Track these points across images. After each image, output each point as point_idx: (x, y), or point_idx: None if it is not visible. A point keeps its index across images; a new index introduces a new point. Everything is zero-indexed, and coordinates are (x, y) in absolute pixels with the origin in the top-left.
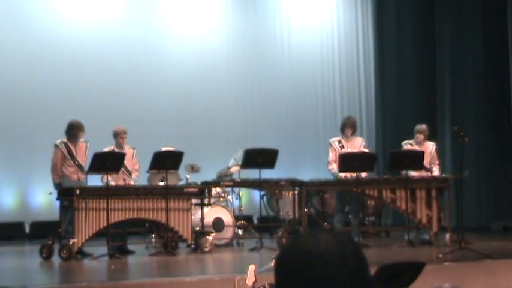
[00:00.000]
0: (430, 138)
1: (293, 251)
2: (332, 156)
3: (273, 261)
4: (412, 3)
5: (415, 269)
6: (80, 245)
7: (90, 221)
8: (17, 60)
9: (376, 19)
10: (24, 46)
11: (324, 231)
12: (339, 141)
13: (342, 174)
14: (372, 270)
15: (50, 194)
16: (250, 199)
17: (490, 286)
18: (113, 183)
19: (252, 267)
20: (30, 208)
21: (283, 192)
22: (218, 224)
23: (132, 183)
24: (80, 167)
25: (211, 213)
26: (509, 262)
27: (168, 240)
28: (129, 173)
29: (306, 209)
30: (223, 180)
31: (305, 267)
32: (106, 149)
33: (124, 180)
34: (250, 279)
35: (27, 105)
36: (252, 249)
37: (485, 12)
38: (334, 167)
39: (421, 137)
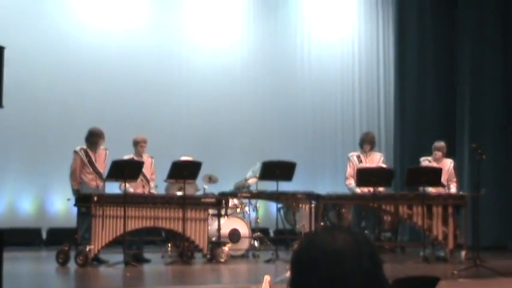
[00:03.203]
0: (448, 155)
1: (309, 248)
2: (350, 171)
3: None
4: (434, 18)
5: (429, 284)
6: (96, 251)
7: (107, 228)
8: (40, 68)
9: (397, 34)
10: (47, 54)
11: (341, 230)
12: (358, 156)
13: (359, 190)
14: None
15: (68, 200)
16: (267, 212)
17: None
18: (131, 191)
19: (267, 277)
20: (47, 214)
21: (300, 205)
22: (234, 235)
23: (153, 191)
24: (98, 174)
25: (227, 224)
26: None
27: (184, 250)
28: (148, 182)
29: (322, 223)
30: (241, 191)
31: (320, 264)
32: (125, 157)
33: (143, 187)
34: None
35: (47, 111)
36: (268, 261)
37: (507, 28)
38: (351, 182)
39: (439, 154)
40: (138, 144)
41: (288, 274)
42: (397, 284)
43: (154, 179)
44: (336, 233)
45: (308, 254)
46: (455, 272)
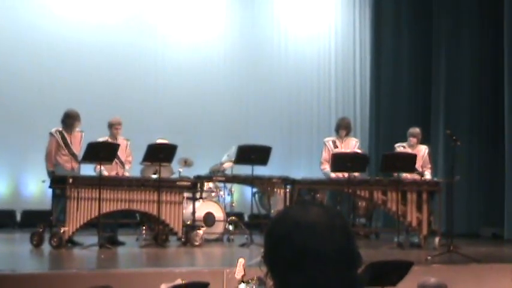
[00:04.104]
0: (422, 141)
1: (282, 220)
2: (325, 155)
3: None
4: (410, 12)
5: (403, 268)
6: (70, 233)
7: (82, 210)
8: (13, 50)
9: (374, 23)
10: (22, 38)
11: (314, 205)
12: (333, 142)
13: (334, 174)
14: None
15: (43, 181)
16: (241, 196)
17: None
18: (106, 174)
19: (241, 261)
20: (22, 197)
21: (275, 190)
22: (209, 219)
23: (126, 174)
24: (74, 156)
25: (202, 208)
26: (496, 267)
27: (158, 233)
28: (123, 164)
29: None
30: (216, 175)
31: (294, 236)
32: (100, 140)
33: (118, 170)
34: (239, 272)
35: (22, 93)
36: (242, 245)
37: (482, 21)
38: (326, 167)
39: (414, 140)
40: (112, 127)
41: (261, 260)
42: (372, 267)
43: (131, 161)
44: (308, 207)
45: (281, 226)
46: (429, 257)
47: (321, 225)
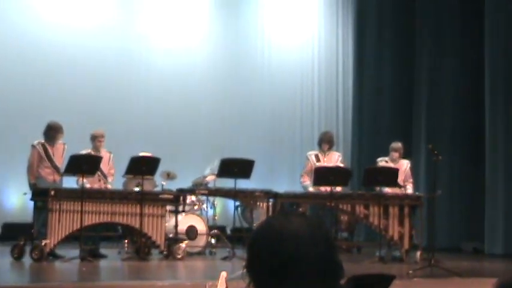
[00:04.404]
0: (404, 156)
1: (265, 230)
2: (307, 169)
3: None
4: (393, 22)
5: (384, 282)
6: (52, 246)
7: (64, 223)
8: None
9: (356, 37)
10: (5, 48)
11: (296, 215)
12: (316, 156)
13: (312, 188)
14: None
15: (25, 194)
16: (224, 210)
17: None
18: (88, 186)
19: (223, 274)
20: (3, 209)
21: (258, 203)
22: (191, 232)
23: (109, 187)
24: (56, 168)
25: (185, 221)
26: (477, 281)
27: (140, 246)
28: (105, 177)
29: None
30: (199, 188)
31: (277, 245)
32: (83, 152)
33: (100, 182)
34: (221, 286)
35: (4, 104)
36: (224, 258)
37: (463, 32)
38: (306, 180)
39: (396, 154)
40: (95, 139)
41: (243, 271)
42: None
43: (114, 173)
44: (291, 216)
45: (264, 236)
46: (411, 271)
47: (304, 234)
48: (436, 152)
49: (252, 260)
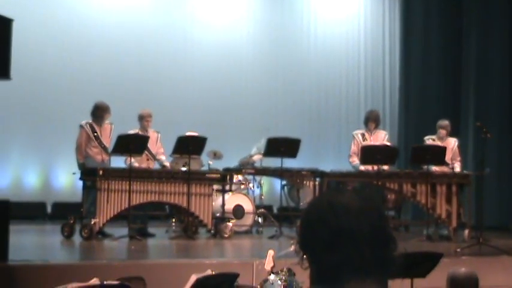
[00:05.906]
0: (452, 134)
1: (317, 203)
2: (354, 148)
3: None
4: (441, 1)
5: (432, 260)
6: (101, 225)
7: (112, 202)
8: (46, 42)
9: (403, 14)
10: (54, 29)
11: (348, 189)
12: (362, 134)
13: (362, 167)
14: None
15: (74, 173)
16: (271, 189)
17: (507, 281)
18: (136, 165)
19: (270, 252)
20: (52, 189)
21: (304, 182)
22: (238, 211)
23: (167, 164)
24: (104, 148)
25: (232, 200)
26: None
27: (188, 225)
28: (153, 157)
29: None
30: (245, 167)
31: (328, 217)
32: (131, 132)
33: (148, 161)
34: (268, 264)
35: (53, 85)
36: (271, 237)
37: None
38: (355, 159)
39: (443, 132)
40: (143, 119)
41: (292, 249)
42: (404, 257)
43: (163, 152)
44: (343, 190)
45: (316, 208)
46: (458, 249)
47: (355, 206)
48: (485, 130)
49: (305, 232)
